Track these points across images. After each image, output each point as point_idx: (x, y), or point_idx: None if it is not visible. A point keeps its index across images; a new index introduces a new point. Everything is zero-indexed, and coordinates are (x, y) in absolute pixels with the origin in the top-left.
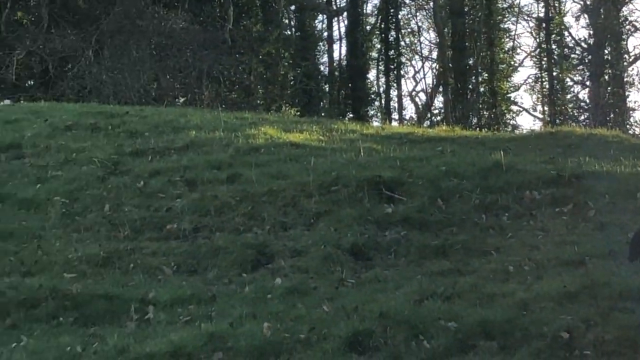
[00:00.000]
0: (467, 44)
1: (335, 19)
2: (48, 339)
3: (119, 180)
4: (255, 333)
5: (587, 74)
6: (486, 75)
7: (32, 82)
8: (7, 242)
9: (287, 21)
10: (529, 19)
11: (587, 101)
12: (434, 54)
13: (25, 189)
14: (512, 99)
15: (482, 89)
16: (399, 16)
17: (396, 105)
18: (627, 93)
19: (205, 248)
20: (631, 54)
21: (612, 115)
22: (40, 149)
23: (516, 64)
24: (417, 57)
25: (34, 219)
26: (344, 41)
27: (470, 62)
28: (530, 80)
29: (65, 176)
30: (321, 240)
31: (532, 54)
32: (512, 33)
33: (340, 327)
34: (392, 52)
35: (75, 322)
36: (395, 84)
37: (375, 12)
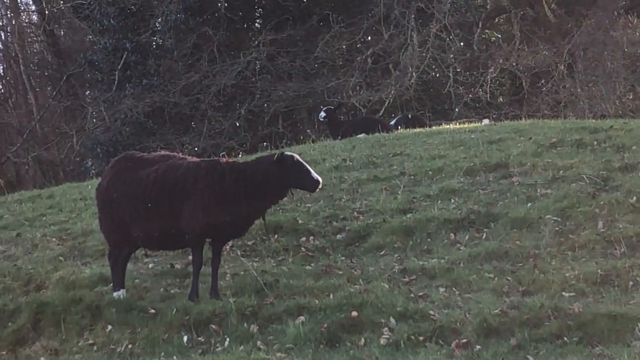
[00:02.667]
0: None
1: None
2: (555, 359)
3: (610, 196)
4: None
5: None
6: None
7: (502, 100)
8: (502, 261)
9: None
10: None
11: None
12: None
13: (515, 208)
14: None
15: None
16: None
17: None
18: None
19: None
20: None
21: None
22: (527, 168)
23: None
24: None
25: (527, 237)
26: None
27: None
28: None
29: (555, 194)
30: None
31: None
32: None
33: None
34: None
35: (580, 342)
36: None
37: None
